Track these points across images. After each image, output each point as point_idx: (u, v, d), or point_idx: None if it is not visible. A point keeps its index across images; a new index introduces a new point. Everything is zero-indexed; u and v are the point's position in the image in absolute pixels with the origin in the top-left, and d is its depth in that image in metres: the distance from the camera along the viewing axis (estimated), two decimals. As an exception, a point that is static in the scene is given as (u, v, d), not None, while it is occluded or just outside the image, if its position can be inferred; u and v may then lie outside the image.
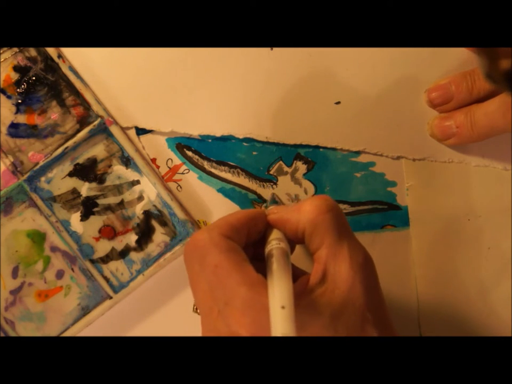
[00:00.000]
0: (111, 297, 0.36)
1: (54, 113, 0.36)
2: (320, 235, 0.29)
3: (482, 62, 0.25)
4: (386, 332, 0.29)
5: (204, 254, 0.29)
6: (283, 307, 0.25)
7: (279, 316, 0.25)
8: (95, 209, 0.37)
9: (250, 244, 0.32)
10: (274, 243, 0.30)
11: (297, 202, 0.31)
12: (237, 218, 0.30)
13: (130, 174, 0.37)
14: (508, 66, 0.23)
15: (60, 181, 0.36)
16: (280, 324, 0.24)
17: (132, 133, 0.37)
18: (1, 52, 0.36)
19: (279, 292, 0.26)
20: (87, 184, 0.37)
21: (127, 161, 0.37)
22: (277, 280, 0.27)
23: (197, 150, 0.37)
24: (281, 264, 0.28)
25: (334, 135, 0.37)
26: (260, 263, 0.30)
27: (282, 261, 0.28)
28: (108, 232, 0.37)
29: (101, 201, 0.37)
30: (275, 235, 0.31)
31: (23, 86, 0.36)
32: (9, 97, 0.36)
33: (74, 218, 0.37)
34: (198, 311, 0.31)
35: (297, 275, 0.29)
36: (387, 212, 0.38)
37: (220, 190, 0.37)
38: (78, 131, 0.36)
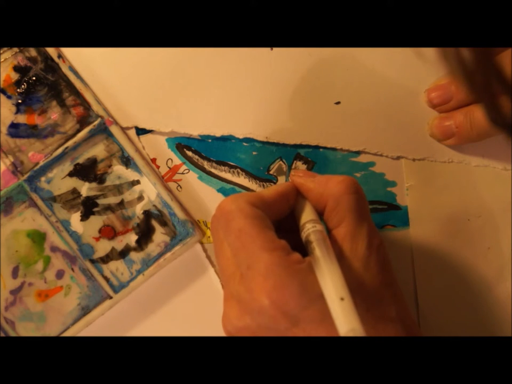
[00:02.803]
0: (111, 297, 0.36)
1: (54, 113, 0.36)
2: (341, 213, 0.30)
3: (486, 109, 0.25)
4: (403, 310, 0.30)
5: (229, 219, 0.29)
6: (342, 298, 0.25)
7: (341, 309, 0.25)
8: (95, 209, 0.37)
9: (281, 218, 0.32)
10: (310, 226, 0.29)
11: (325, 175, 0.32)
12: (269, 194, 0.31)
13: (130, 174, 0.37)
14: (509, 113, 0.24)
15: (60, 181, 0.36)
16: (346, 318, 0.25)
17: (132, 133, 0.37)
18: (1, 52, 0.36)
19: (332, 281, 0.26)
20: (87, 184, 0.37)
21: (127, 161, 0.37)
22: (327, 268, 0.27)
23: (197, 150, 0.37)
24: (324, 250, 0.28)
25: (334, 135, 0.37)
26: (286, 233, 0.30)
27: (324, 246, 0.28)
28: (108, 232, 0.37)
29: (101, 201, 0.37)
30: (308, 215, 0.31)
31: (23, 86, 0.36)
32: (9, 97, 0.36)
33: (74, 218, 0.37)
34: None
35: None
36: (387, 212, 0.38)
37: (220, 190, 0.37)
38: (78, 131, 0.36)
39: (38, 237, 0.36)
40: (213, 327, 0.36)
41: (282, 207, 0.31)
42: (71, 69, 0.36)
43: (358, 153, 0.37)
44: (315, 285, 0.27)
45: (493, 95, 0.24)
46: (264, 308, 0.27)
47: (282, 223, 0.32)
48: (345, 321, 0.25)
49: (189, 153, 0.37)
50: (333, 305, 0.25)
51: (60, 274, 0.37)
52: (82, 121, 0.36)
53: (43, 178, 0.36)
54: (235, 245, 0.29)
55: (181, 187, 0.37)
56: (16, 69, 0.36)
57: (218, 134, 0.37)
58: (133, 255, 0.37)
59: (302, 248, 0.29)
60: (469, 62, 0.24)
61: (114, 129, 0.36)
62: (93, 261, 0.37)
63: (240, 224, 0.29)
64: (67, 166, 0.36)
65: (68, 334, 0.36)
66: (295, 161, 0.37)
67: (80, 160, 0.37)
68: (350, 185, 0.30)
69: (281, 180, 0.37)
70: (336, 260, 0.27)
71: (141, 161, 0.36)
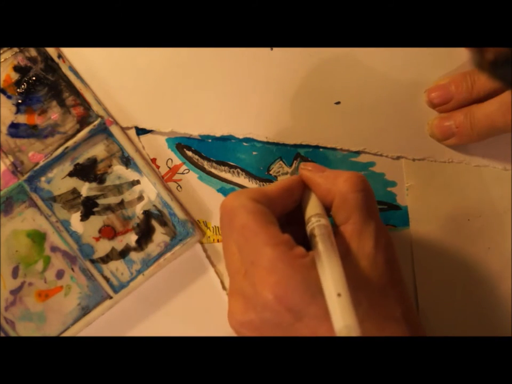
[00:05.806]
0: (111, 297, 0.36)
1: (54, 113, 0.36)
2: (348, 211, 0.30)
3: (472, 54, 0.26)
4: (409, 311, 0.30)
5: (232, 216, 0.29)
6: (339, 294, 0.25)
7: (338, 305, 0.25)
8: (95, 209, 0.37)
9: (286, 213, 0.32)
10: (315, 220, 0.29)
11: (334, 171, 0.32)
12: (272, 189, 0.31)
13: (130, 174, 0.37)
14: (492, 57, 0.25)
15: (60, 181, 0.36)
16: (341, 314, 0.25)
17: (132, 133, 0.37)
18: (1, 52, 0.36)
19: (331, 277, 0.26)
20: (87, 184, 0.37)
21: (127, 161, 0.37)
22: (327, 263, 0.26)
23: (197, 150, 0.37)
24: (327, 244, 0.27)
25: (334, 135, 0.37)
26: (293, 226, 0.30)
27: (327, 241, 0.28)
28: (108, 232, 0.37)
29: (101, 201, 0.37)
30: (314, 209, 0.30)
31: (23, 86, 0.36)
32: (9, 97, 0.36)
33: (75, 218, 0.37)
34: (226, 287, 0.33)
35: None
36: (387, 212, 0.38)
37: (220, 190, 0.37)
38: (78, 131, 0.36)
39: (38, 237, 0.36)
40: (213, 327, 0.36)
41: (286, 201, 0.31)
42: (71, 69, 0.36)
43: (358, 153, 0.37)
44: (318, 280, 0.27)
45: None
46: (268, 303, 0.27)
47: (290, 216, 0.32)
48: (341, 318, 0.24)
49: (189, 153, 0.37)
50: (330, 301, 0.25)
51: (60, 274, 0.37)
52: (82, 121, 0.36)
53: (43, 178, 0.36)
54: (239, 241, 0.29)
55: (181, 187, 0.37)
56: (16, 69, 0.36)
57: (218, 134, 0.37)
58: (133, 255, 0.37)
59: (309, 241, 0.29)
60: None
61: (114, 129, 0.36)
62: (93, 261, 0.37)
63: (243, 220, 0.29)
64: (67, 166, 0.36)
65: (67, 334, 0.36)
66: (295, 161, 0.37)
67: (80, 160, 0.37)
68: (357, 182, 0.30)
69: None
70: (338, 255, 0.27)
71: (141, 161, 0.36)
